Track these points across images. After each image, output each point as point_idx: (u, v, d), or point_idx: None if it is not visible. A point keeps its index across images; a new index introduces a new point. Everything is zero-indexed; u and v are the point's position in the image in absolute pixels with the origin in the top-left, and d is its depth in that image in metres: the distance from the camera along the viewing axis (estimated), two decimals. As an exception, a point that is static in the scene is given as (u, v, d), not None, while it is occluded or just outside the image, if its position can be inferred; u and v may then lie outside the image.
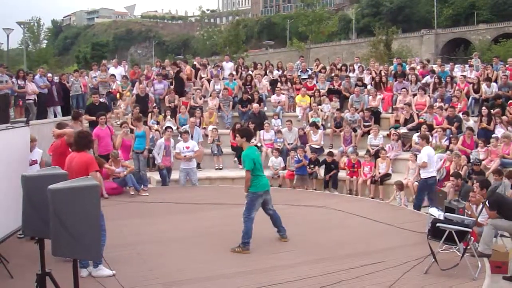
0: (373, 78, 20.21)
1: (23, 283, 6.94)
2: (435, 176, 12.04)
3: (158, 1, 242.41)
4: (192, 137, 15.55)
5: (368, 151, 15.79)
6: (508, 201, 8.57)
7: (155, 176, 15.28)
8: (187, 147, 14.72)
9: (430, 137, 13.78)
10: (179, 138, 15.76)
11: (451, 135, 15.37)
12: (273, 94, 19.88)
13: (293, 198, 13.20)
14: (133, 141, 14.31)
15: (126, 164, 14.04)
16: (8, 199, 7.60)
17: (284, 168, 15.85)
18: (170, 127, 15.56)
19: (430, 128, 15.97)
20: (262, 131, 17.19)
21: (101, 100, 17.52)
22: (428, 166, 11.59)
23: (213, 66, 23.17)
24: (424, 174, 11.73)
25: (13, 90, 16.75)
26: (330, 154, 15.72)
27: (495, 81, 18.10)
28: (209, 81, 20.87)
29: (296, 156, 15.51)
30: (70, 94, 19.06)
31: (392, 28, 66.12)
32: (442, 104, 17.24)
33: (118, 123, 16.85)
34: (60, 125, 9.98)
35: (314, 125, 17.07)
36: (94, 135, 14.18)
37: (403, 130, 16.89)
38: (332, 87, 19.80)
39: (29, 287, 5.60)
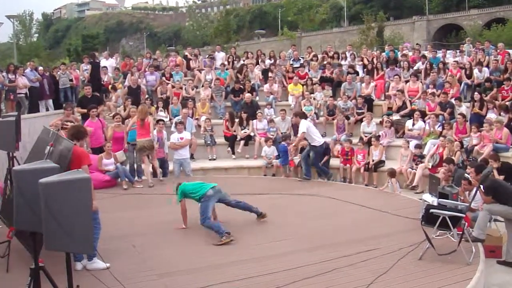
0: (365, 66, 20.23)
1: (17, 277, 6.91)
2: (325, 142, 14.72)
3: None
4: (185, 128, 15.51)
5: (361, 138, 15.78)
6: (503, 185, 8.58)
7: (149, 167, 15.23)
8: (181, 138, 14.70)
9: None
10: (172, 129, 15.72)
11: (443, 121, 15.38)
12: (265, 83, 19.84)
13: (286, 187, 13.24)
14: (125, 133, 14.26)
15: (113, 155, 13.99)
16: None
17: (278, 157, 15.82)
18: (162, 120, 15.53)
19: (423, 114, 16.00)
20: (255, 121, 17.16)
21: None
22: (312, 135, 13.98)
23: (207, 56, 23.06)
24: (315, 143, 14.01)
25: (4, 84, 16.66)
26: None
27: (487, 66, 18.14)
28: (200, 71, 20.84)
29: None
30: (59, 87, 18.91)
31: (379, 13, 66.15)
32: (434, 90, 17.23)
33: (111, 115, 16.80)
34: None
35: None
36: (85, 128, 14.16)
37: (396, 117, 16.91)
38: (324, 75, 19.77)
39: (23, 282, 5.57)
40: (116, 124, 14.27)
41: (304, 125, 13.99)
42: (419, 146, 14.45)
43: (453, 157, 12.81)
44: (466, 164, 12.22)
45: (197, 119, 17.52)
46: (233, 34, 60.36)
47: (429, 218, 8.05)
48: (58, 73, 19.09)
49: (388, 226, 9.68)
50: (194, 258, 8.01)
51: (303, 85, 19.32)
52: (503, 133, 13.77)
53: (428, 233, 7.91)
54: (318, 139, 14.15)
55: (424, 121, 15.71)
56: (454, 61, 19.23)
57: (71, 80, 19.09)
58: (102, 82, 19.50)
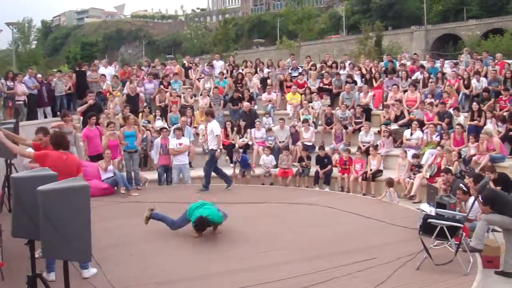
0: (363, 75, 20.27)
1: (15, 285, 6.89)
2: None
3: (148, 0, 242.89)
4: (183, 135, 15.52)
5: (359, 148, 15.79)
6: (501, 196, 8.59)
7: (147, 175, 15.22)
8: (180, 144, 14.71)
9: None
10: (170, 137, 15.70)
11: (442, 131, 15.41)
12: (264, 92, 19.86)
13: (284, 196, 13.22)
14: (120, 141, 14.26)
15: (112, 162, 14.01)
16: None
17: (276, 166, 15.84)
18: (166, 128, 15.59)
19: (421, 124, 16.02)
20: (253, 130, 17.16)
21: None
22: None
23: (206, 64, 23.06)
24: (214, 146, 13.75)
25: (2, 92, 16.67)
26: (322, 148, 15.74)
27: (485, 76, 18.18)
28: (199, 79, 20.88)
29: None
30: (55, 95, 18.90)
31: (377, 23, 66.47)
32: (432, 100, 17.28)
33: (105, 124, 16.80)
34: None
35: (306, 122, 17.07)
36: (83, 136, 14.21)
37: (394, 126, 16.93)
38: (323, 86, 19.78)
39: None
40: (110, 132, 14.21)
41: (218, 127, 14.10)
42: (417, 156, 14.47)
43: (451, 167, 12.81)
44: (464, 174, 12.24)
45: (195, 127, 17.51)
46: (232, 43, 60.58)
47: (427, 228, 8.05)
48: (54, 79, 19.06)
49: (386, 235, 9.67)
50: (192, 267, 8.00)
51: (301, 94, 19.35)
52: (494, 143, 13.80)
53: (426, 243, 7.90)
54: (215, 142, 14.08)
55: (422, 131, 15.74)
56: (453, 71, 19.27)
57: (69, 89, 19.09)
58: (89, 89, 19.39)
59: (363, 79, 20.11)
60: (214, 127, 13.85)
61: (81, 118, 17.02)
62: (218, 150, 13.88)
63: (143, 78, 20.12)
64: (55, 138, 7.56)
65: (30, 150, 8.40)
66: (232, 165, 16.39)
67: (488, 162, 13.01)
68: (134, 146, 14.22)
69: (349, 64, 21.74)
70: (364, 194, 14.38)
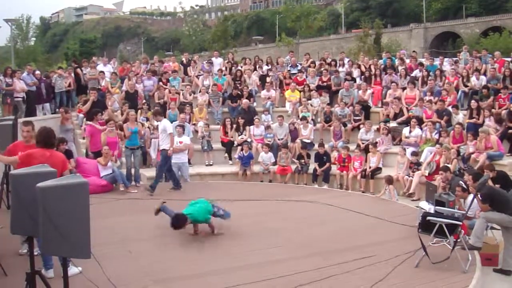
0: (362, 73, 20.25)
1: (14, 282, 6.88)
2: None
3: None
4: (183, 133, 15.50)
5: (358, 145, 15.78)
6: (500, 193, 8.59)
7: (145, 173, 15.21)
8: (180, 142, 14.67)
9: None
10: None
11: (440, 129, 15.39)
12: (263, 89, 19.85)
13: (283, 193, 13.21)
14: (119, 138, 14.24)
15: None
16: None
17: (275, 164, 15.82)
18: None
19: (420, 121, 16.00)
20: (252, 127, 17.15)
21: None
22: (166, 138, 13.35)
23: (205, 61, 23.04)
24: (166, 146, 13.32)
25: (1, 88, 16.65)
26: (321, 145, 15.74)
27: (484, 74, 18.17)
28: (198, 76, 20.87)
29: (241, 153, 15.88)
30: (55, 91, 18.89)
31: (376, 21, 66.51)
32: (431, 97, 17.26)
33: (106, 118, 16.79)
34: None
35: (304, 119, 17.06)
36: (87, 132, 14.29)
37: (393, 124, 16.92)
38: (321, 83, 19.77)
39: (21, 286, 5.55)
40: (109, 129, 14.18)
41: (170, 125, 13.69)
42: (415, 154, 14.46)
43: (449, 165, 12.81)
44: (463, 172, 12.23)
45: (194, 124, 17.49)
46: (230, 40, 60.50)
47: (426, 225, 8.05)
48: (55, 76, 19.05)
49: (385, 233, 9.68)
50: (189, 265, 7.99)
51: (300, 91, 19.34)
52: (491, 141, 13.80)
53: (425, 241, 7.90)
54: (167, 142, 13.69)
55: (421, 129, 15.72)
56: (452, 68, 19.25)
57: (69, 85, 19.06)
58: (87, 87, 19.41)
59: (362, 76, 20.09)
60: (166, 125, 13.55)
61: (79, 115, 17.12)
62: (170, 149, 13.51)
63: (142, 75, 20.11)
64: (41, 135, 7.33)
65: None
66: (231, 162, 16.43)
67: (485, 160, 13.03)
68: (137, 143, 14.23)
69: (348, 62, 21.73)
70: (363, 192, 14.38)
